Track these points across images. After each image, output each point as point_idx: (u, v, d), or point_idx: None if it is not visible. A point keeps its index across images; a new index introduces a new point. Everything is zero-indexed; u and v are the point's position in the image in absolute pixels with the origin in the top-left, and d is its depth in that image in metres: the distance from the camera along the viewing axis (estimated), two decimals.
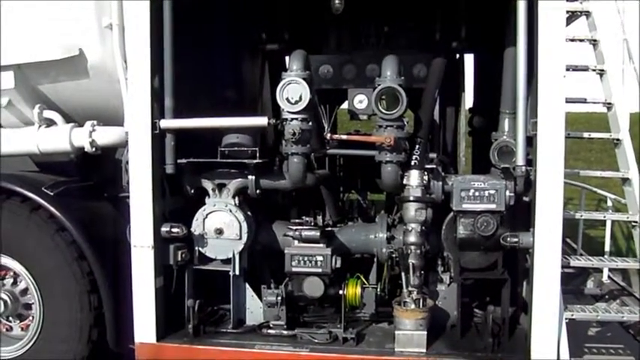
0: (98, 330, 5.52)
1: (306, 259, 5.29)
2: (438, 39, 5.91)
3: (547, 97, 4.52)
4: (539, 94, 4.53)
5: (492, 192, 4.82)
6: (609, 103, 6.34)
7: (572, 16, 7.35)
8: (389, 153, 4.96)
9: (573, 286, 7.36)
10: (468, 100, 6.54)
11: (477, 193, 4.84)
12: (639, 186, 5.80)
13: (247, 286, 5.54)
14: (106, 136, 5.71)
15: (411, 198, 5.02)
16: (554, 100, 4.53)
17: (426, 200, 5.02)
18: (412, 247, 5.02)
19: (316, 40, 6.22)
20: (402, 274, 5.00)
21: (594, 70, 6.65)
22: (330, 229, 5.56)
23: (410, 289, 4.97)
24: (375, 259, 5.53)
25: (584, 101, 6.47)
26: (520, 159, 4.71)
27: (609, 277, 7.25)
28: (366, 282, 5.29)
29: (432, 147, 5.90)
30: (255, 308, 5.51)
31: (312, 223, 5.46)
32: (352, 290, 5.24)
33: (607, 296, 6.87)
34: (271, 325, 5.37)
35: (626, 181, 5.97)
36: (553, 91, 4.52)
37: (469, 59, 6.62)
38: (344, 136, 5.14)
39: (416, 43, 5.97)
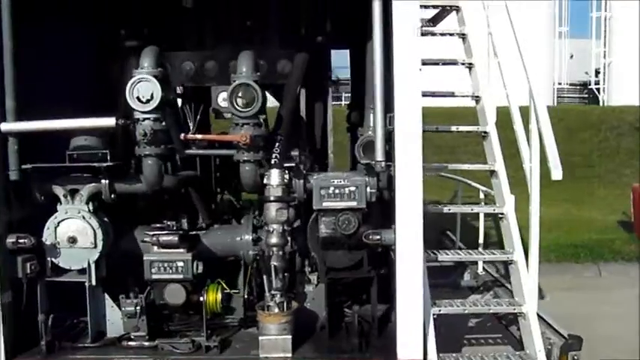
0: None
1: (165, 265, 5.04)
2: (302, 33, 5.76)
3: (403, 91, 4.43)
4: (395, 87, 4.44)
5: (352, 189, 4.71)
6: (477, 97, 6.38)
7: (443, 11, 7.41)
8: (246, 152, 4.78)
9: (451, 279, 7.41)
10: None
11: (336, 191, 4.71)
12: (506, 178, 5.83)
13: (106, 296, 5.22)
14: None
15: (272, 198, 4.85)
16: (410, 93, 4.44)
17: (286, 200, 4.86)
18: (274, 249, 4.85)
19: (177, 36, 5.94)
20: (264, 276, 4.82)
21: (463, 64, 6.71)
22: (194, 232, 5.31)
23: (273, 292, 4.80)
24: (242, 262, 5.33)
25: (452, 95, 6.49)
26: (379, 154, 4.61)
27: (484, 269, 7.33)
28: (226, 287, 5.06)
29: (299, 144, 5.74)
30: (115, 319, 5.20)
31: (175, 228, 5.20)
32: (212, 296, 5.02)
33: (482, 288, 6.95)
34: (132, 337, 5.08)
35: (493, 173, 6.01)
36: (408, 84, 4.44)
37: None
38: (199, 136, 4.91)
39: (280, 38, 5.79)
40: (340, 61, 7.61)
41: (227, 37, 5.80)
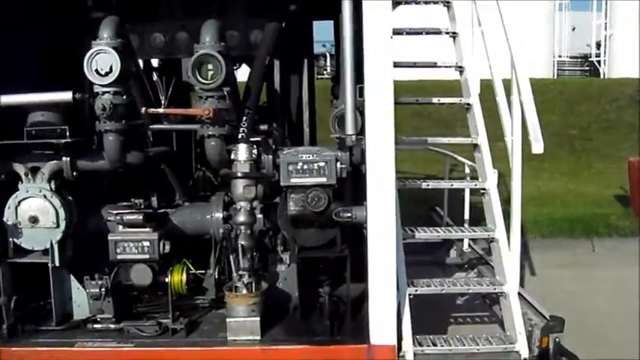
0: None
1: (131, 245, 4.85)
2: (275, 3, 5.49)
3: (372, 59, 4.18)
4: (365, 56, 4.20)
5: (322, 164, 4.49)
6: (460, 67, 6.13)
7: None
8: (210, 126, 4.55)
9: (437, 256, 7.22)
10: None
11: (305, 167, 4.49)
12: (488, 152, 5.59)
13: (72, 277, 5.04)
14: None
15: (239, 174, 4.63)
16: (381, 62, 4.18)
17: (254, 176, 4.64)
18: (242, 227, 4.65)
19: (147, 7, 5.68)
20: (231, 256, 4.62)
21: (447, 33, 6.44)
22: (162, 210, 5.11)
23: (240, 272, 4.61)
24: (213, 241, 5.13)
25: (434, 65, 6.23)
26: (349, 127, 4.40)
27: (470, 246, 7.13)
28: (191, 267, 4.86)
29: (272, 118, 5.53)
30: (82, 301, 5.03)
31: (143, 206, 5.00)
32: (177, 277, 4.83)
33: (466, 265, 6.75)
34: (98, 319, 4.91)
35: (476, 147, 5.76)
36: (379, 52, 4.18)
37: None
38: (160, 110, 4.69)
39: (252, 8, 5.53)
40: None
41: (198, 7, 5.55)
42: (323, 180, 4.49)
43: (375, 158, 4.24)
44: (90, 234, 5.09)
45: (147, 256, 4.84)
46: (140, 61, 5.66)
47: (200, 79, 4.44)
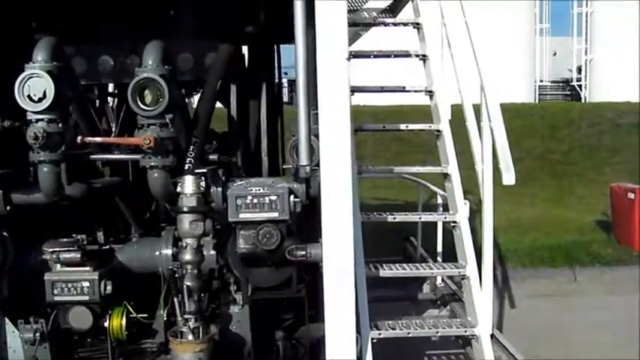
0: None
1: (69, 285, 4.43)
2: (231, 24, 5.15)
3: (326, 83, 3.84)
4: (318, 80, 3.85)
5: (273, 198, 4.11)
6: (430, 91, 5.82)
7: (401, 1, 6.88)
8: (153, 157, 4.17)
9: (409, 290, 6.85)
10: None
11: (255, 201, 4.12)
12: (459, 182, 5.25)
13: (7, 320, 4.61)
14: None
15: (184, 208, 4.26)
16: (335, 85, 3.84)
17: (201, 210, 4.26)
18: (188, 267, 4.26)
19: (95, 29, 5.32)
20: (175, 299, 4.22)
21: (417, 56, 6.14)
22: (107, 247, 4.71)
23: (186, 316, 4.20)
24: (162, 280, 4.72)
25: (402, 90, 5.91)
26: (303, 158, 4.03)
27: (443, 280, 6.76)
28: (132, 310, 4.44)
29: (230, 146, 5.17)
30: (17, 346, 4.62)
31: (86, 242, 4.60)
32: (116, 321, 4.41)
33: (439, 302, 6.36)
34: None
35: (446, 176, 5.42)
36: (333, 74, 3.83)
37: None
38: (98, 139, 4.31)
39: (208, 30, 5.19)
40: None
41: (150, 28, 5.20)
42: (275, 215, 4.11)
43: (330, 190, 3.87)
44: (28, 273, 4.67)
45: (86, 298, 4.43)
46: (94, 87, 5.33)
47: (141, 105, 4.07)
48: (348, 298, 3.96)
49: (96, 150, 4.53)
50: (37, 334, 4.44)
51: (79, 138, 4.17)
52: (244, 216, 4.13)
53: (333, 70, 3.83)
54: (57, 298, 4.44)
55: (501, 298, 9.11)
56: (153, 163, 4.21)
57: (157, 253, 4.70)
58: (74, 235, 4.67)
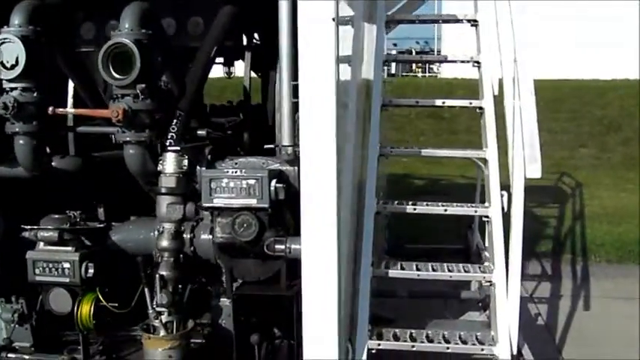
0: None
1: (50, 265, 4.14)
2: None
3: (308, 49, 3.25)
4: (299, 45, 3.28)
5: (252, 182, 3.60)
6: (477, 62, 5.08)
7: None
8: (127, 131, 3.77)
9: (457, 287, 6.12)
10: None
11: (231, 184, 3.63)
12: (497, 169, 4.51)
13: None
14: None
15: (162, 189, 3.84)
16: (319, 51, 3.25)
17: (180, 192, 3.83)
18: (164, 254, 3.85)
19: None
20: (146, 289, 3.82)
21: (469, 21, 5.39)
22: (95, 226, 4.38)
23: (158, 309, 3.80)
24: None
25: (445, 60, 5.19)
26: (286, 137, 3.50)
27: None
28: (101, 298, 4.06)
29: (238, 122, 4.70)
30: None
31: (77, 220, 4.30)
32: (85, 308, 4.06)
33: (481, 303, 5.60)
34: (17, 347, 4.27)
35: (485, 162, 4.69)
36: (317, 38, 3.24)
37: None
38: (70, 110, 3.95)
39: None
40: None
41: None
42: (252, 202, 3.61)
43: (310, 176, 3.32)
44: (15, 250, 4.43)
45: (67, 280, 4.13)
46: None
47: (113, 73, 3.66)
48: (330, 304, 3.42)
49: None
50: (15, 315, 4.19)
51: (50, 109, 3.82)
52: (219, 201, 3.66)
53: (317, 30, 3.23)
54: (38, 278, 4.18)
55: (575, 297, 8.19)
56: (127, 138, 3.82)
57: (152, 234, 4.33)
58: (67, 212, 4.40)
